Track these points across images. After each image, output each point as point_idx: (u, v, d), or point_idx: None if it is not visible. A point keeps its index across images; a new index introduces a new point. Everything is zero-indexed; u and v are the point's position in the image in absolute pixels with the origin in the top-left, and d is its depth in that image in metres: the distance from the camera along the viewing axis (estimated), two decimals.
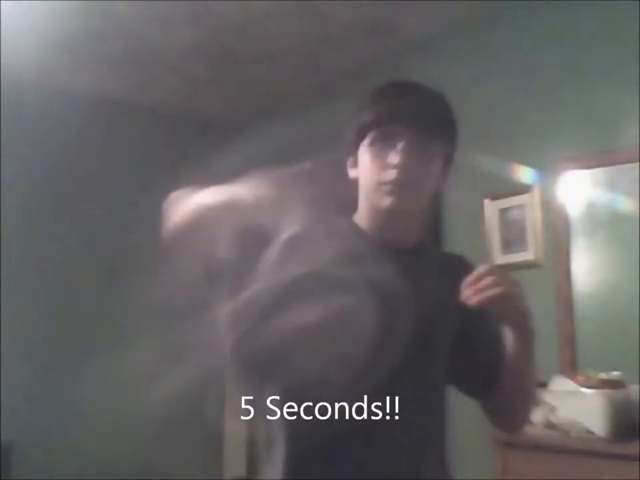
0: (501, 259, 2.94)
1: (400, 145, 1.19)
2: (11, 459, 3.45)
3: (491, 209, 3.00)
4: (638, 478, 1.96)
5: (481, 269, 1.16)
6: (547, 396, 2.37)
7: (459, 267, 1.29)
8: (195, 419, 4.28)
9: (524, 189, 2.88)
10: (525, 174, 2.88)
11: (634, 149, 2.53)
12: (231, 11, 3.17)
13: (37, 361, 3.83)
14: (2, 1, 3.00)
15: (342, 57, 3.68)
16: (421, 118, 1.22)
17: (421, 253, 1.29)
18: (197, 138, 4.62)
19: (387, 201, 1.20)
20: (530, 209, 2.87)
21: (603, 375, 2.34)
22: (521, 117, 2.96)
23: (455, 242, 3.10)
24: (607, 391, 2.25)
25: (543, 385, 2.44)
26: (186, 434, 4.25)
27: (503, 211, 2.96)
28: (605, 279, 2.67)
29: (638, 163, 2.53)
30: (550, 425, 2.32)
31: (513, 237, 2.93)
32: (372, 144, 1.22)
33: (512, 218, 2.94)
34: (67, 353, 3.93)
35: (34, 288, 3.88)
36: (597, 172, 2.70)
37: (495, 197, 2.98)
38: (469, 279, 1.13)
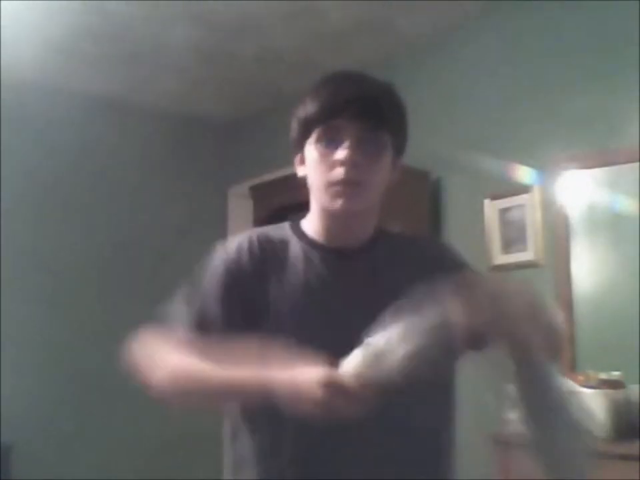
0: (501, 258, 2.94)
1: (346, 141, 1.14)
2: (11, 459, 3.45)
3: (490, 209, 3.00)
4: (638, 478, 1.96)
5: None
6: None
7: (432, 254, 1.26)
8: (195, 419, 4.28)
9: (524, 189, 2.88)
10: (525, 174, 2.88)
11: (634, 149, 2.53)
12: (231, 10, 3.17)
13: (37, 361, 3.83)
14: (2, 1, 3.00)
15: (342, 57, 3.68)
16: (366, 110, 1.15)
17: (373, 248, 1.23)
18: (197, 138, 4.62)
19: (337, 203, 1.15)
20: (530, 209, 2.87)
21: (603, 375, 2.34)
22: (521, 117, 2.95)
23: (455, 242, 3.09)
24: (607, 391, 2.25)
25: None
26: (186, 434, 4.24)
27: (503, 211, 2.96)
28: (604, 279, 2.67)
29: (638, 163, 2.53)
30: None
31: (513, 236, 2.93)
32: (318, 140, 1.17)
33: (512, 218, 2.94)
34: (67, 353, 3.93)
35: (34, 288, 3.88)
36: (597, 172, 2.69)
37: (495, 197, 2.98)
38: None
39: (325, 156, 1.16)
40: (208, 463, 4.34)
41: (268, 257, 1.21)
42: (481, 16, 3.15)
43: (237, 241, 1.24)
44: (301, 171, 1.24)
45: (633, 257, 2.52)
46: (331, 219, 1.20)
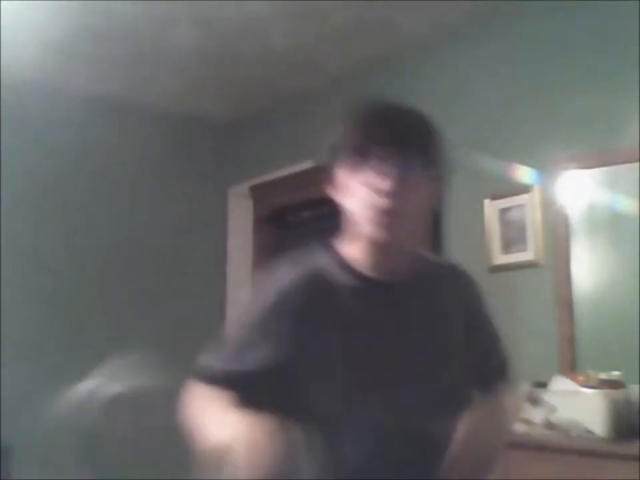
0: (500, 259, 2.94)
1: (388, 170, 1.14)
2: (11, 459, 3.45)
3: (490, 209, 3.00)
4: (638, 478, 1.96)
5: None
6: (547, 396, 2.37)
7: (458, 280, 1.32)
8: None
9: (524, 189, 2.88)
10: (524, 174, 2.88)
11: (634, 149, 2.53)
12: (231, 10, 3.17)
13: (37, 361, 3.83)
14: (2, 1, 3.00)
15: (342, 57, 3.68)
16: (404, 140, 1.17)
17: (417, 280, 1.26)
18: (197, 138, 4.62)
19: (380, 233, 1.16)
20: (530, 209, 2.87)
21: (603, 375, 2.34)
22: (521, 117, 2.95)
23: (455, 242, 3.10)
24: (607, 391, 2.25)
25: (543, 384, 2.44)
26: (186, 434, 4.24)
27: (503, 211, 2.96)
28: (605, 279, 2.67)
29: (638, 163, 2.53)
30: (550, 425, 2.32)
31: (513, 236, 2.93)
32: (357, 169, 1.18)
33: (512, 218, 2.93)
34: (67, 353, 3.93)
35: (34, 288, 3.88)
36: (597, 172, 2.69)
37: (495, 197, 2.98)
38: None
39: (366, 185, 1.17)
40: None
41: (316, 294, 1.21)
42: (481, 16, 3.15)
43: (287, 276, 1.23)
44: (338, 198, 1.25)
45: (633, 256, 2.52)
46: (374, 249, 1.21)
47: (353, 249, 1.24)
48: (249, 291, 1.28)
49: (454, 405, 1.20)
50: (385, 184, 1.14)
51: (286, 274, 1.23)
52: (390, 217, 1.15)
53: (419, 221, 1.22)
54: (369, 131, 1.19)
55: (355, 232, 1.23)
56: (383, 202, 1.14)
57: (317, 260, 1.25)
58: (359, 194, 1.18)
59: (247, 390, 1.15)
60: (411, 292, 1.24)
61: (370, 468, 1.14)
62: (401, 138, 1.17)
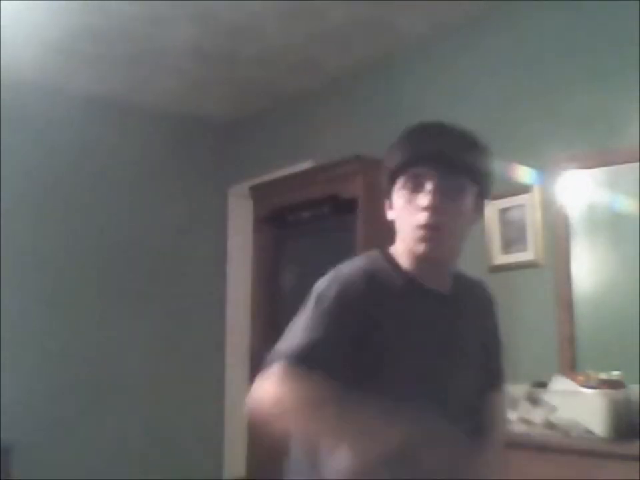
0: (501, 258, 2.94)
1: (428, 186, 1.21)
2: (11, 459, 3.45)
3: (490, 209, 2.99)
4: (638, 478, 1.96)
5: None
6: (547, 396, 2.37)
7: (484, 296, 1.42)
8: (195, 418, 4.29)
9: (524, 189, 2.88)
10: (525, 174, 2.88)
11: (634, 149, 2.53)
12: (231, 10, 3.17)
13: (37, 361, 3.83)
14: (2, 1, 3.00)
15: (342, 57, 3.68)
16: (446, 157, 1.23)
17: (454, 295, 1.32)
18: (197, 138, 4.62)
19: (421, 247, 1.23)
20: (530, 208, 2.87)
21: (603, 375, 2.34)
22: (521, 117, 2.95)
23: None
24: (607, 391, 2.25)
25: (543, 384, 2.44)
26: (186, 434, 4.25)
27: (503, 211, 2.96)
28: (605, 279, 2.67)
29: (638, 163, 2.53)
30: (550, 425, 2.32)
31: (513, 236, 2.93)
32: (403, 187, 1.25)
33: (512, 218, 2.93)
34: (67, 353, 3.93)
35: (34, 288, 3.88)
36: (597, 172, 2.69)
37: (495, 197, 2.97)
38: None
39: (409, 202, 1.24)
40: (208, 462, 4.34)
41: (378, 295, 1.24)
42: (481, 16, 3.15)
43: (351, 274, 1.25)
44: (390, 215, 1.31)
45: (633, 257, 2.52)
46: (417, 262, 1.27)
47: (401, 259, 1.29)
48: (312, 289, 1.28)
49: (476, 408, 1.33)
50: (426, 200, 1.21)
51: (349, 270, 1.26)
52: (432, 232, 1.21)
53: (459, 237, 1.28)
54: (408, 150, 1.26)
55: (402, 246, 1.28)
56: (424, 217, 1.21)
57: (376, 261, 1.29)
58: (403, 210, 1.25)
59: (332, 363, 1.16)
60: (455, 304, 1.31)
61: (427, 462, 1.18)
62: (441, 154, 1.23)
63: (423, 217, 1.21)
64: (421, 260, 1.25)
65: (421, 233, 1.21)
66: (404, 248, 1.28)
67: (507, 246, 2.94)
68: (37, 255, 3.91)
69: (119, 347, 4.10)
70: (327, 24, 3.30)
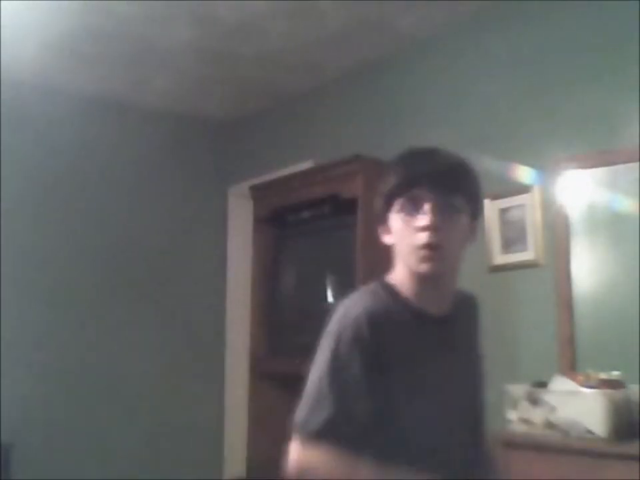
0: (501, 258, 2.94)
1: (426, 207, 1.24)
2: (11, 459, 3.45)
3: (490, 209, 3.00)
4: (638, 478, 1.96)
5: None
6: (547, 396, 2.37)
7: (475, 311, 1.46)
8: (195, 418, 4.29)
9: (524, 189, 2.88)
10: (525, 174, 2.88)
11: (634, 149, 2.53)
12: (231, 10, 3.17)
13: (36, 361, 3.83)
14: (2, 1, 3.00)
15: (342, 57, 3.68)
16: (441, 178, 1.26)
17: (456, 311, 1.35)
18: (197, 138, 4.62)
19: (423, 267, 1.25)
20: (530, 208, 2.87)
21: (603, 375, 2.34)
22: (521, 117, 2.95)
23: None
24: (607, 391, 2.24)
25: (543, 384, 2.44)
26: (186, 434, 4.25)
27: (503, 211, 2.96)
28: (604, 279, 2.67)
29: (638, 163, 2.53)
30: (550, 425, 2.32)
31: (513, 236, 2.93)
32: (400, 210, 1.28)
33: (512, 218, 2.93)
34: (67, 353, 3.93)
35: (34, 288, 3.88)
36: (597, 172, 2.69)
37: (495, 197, 2.98)
38: None
39: (408, 223, 1.27)
40: (208, 462, 4.34)
41: (385, 337, 1.25)
42: (481, 16, 3.15)
43: (359, 320, 1.25)
44: (387, 240, 1.34)
45: (633, 257, 2.51)
46: (421, 283, 1.29)
47: (402, 284, 1.31)
48: (321, 340, 1.29)
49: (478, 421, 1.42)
50: (423, 220, 1.24)
51: (356, 313, 1.25)
52: (434, 251, 1.24)
53: (457, 254, 1.31)
54: (403, 173, 1.29)
55: (404, 269, 1.31)
56: (423, 237, 1.24)
57: (379, 299, 1.30)
58: (402, 232, 1.28)
59: (353, 435, 1.20)
60: (455, 324, 1.35)
61: None
62: (437, 175, 1.26)
63: (423, 237, 1.24)
64: (424, 281, 1.28)
65: (422, 252, 1.24)
66: (405, 272, 1.30)
67: (507, 246, 2.94)
68: (37, 255, 3.91)
69: (119, 347, 4.10)
70: (327, 24, 3.30)
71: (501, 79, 3.06)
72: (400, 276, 1.32)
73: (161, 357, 4.22)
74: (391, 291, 1.31)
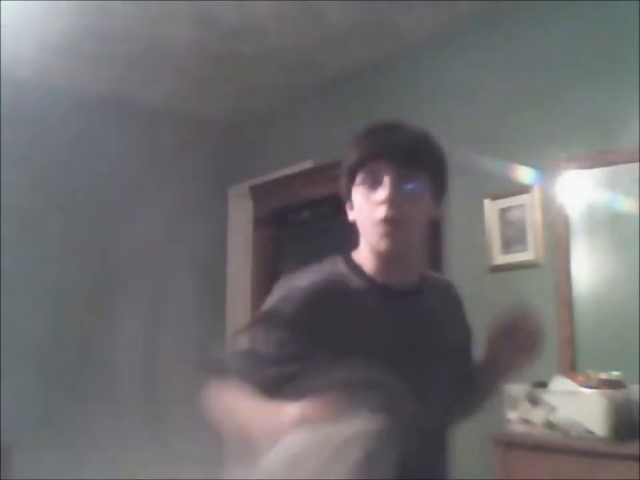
0: (501, 259, 2.94)
1: (385, 180, 1.21)
2: (11, 459, 3.45)
3: (490, 208, 3.00)
4: (638, 478, 1.96)
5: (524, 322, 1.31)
6: (547, 396, 2.37)
7: (454, 296, 1.42)
8: (194, 418, 4.28)
9: (524, 189, 2.88)
10: (525, 174, 2.88)
11: (634, 149, 2.53)
12: (231, 11, 3.17)
13: (36, 361, 3.83)
14: (2, 1, 3.00)
15: (341, 57, 3.68)
16: (402, 152, 1.23)
17: (421, 292, 1.31)
18: (197, 138, 4.62)
19: (383, 243, 1.22)
20: (530, 208, 2.87)
21: (603, 375, 2.34)
22: (521, 117, 2.95)
23: (456, 242, 3.10)
24: (607, 391, 2.25)
25: (543, 384, 2.44)
26: (186, 433, 4.24)
27: (503, 211, 2.96)
28: (605, 279, 2.67)
29: (638, 163, 2.53)
30: (550, 425, 2.32)
31: (513, 236, 2.93)
32: (361, 183, 1.25)
33: (512, 218, 2.94)
34: (67, 353, 3.93)
35: (33, 288, 3.88)
36: (597, 172, 2.69)
37: (495, 197, 2.98)
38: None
39: (368, 197, 1.24)
40: (208, 462, 4.34)
41: (334, 303, 1.24)
42: (481, 16, 3.15)
43: (307, 283, 1.26)
44: (351, 216, 1.31)
45: (632, 256, 2.52)
46: (381, 259, 1.26)
47: (365, 260, 1.29)
48: (268, 295, 1.33)
49: (448, 407, 1.31)
50: (382, 193, 1.20)
51: (307, 279, 1.26)
52: (393, 226, 1.20)
53: (419, 231, 1.27)
54: (364, 146, 1.26)
55: (364, 244, 1.29)
56: (381, 211, 1.20)
57: (335, 267, 1.30)
58: (362, 207, 1.25)
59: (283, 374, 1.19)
60: (423, 301, 1.30)
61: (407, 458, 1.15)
62: (396, 147, 1.23)
63: (382, 210, 1.20)
64: (384, 257, 1.25)
65: (381, 227, 1.21)
66: (367, 248, 1.28)
67: (507, 246, 2.94)
68: (36, 255, 3.90)
69: (119, 346, 4.10)
70: (327, 24, 3.30)
71: (500, 79, 3.06)
72: (363, 253, 1.29)
73: (160, 357, 4.22)
74: (350, 263, 1.29)
